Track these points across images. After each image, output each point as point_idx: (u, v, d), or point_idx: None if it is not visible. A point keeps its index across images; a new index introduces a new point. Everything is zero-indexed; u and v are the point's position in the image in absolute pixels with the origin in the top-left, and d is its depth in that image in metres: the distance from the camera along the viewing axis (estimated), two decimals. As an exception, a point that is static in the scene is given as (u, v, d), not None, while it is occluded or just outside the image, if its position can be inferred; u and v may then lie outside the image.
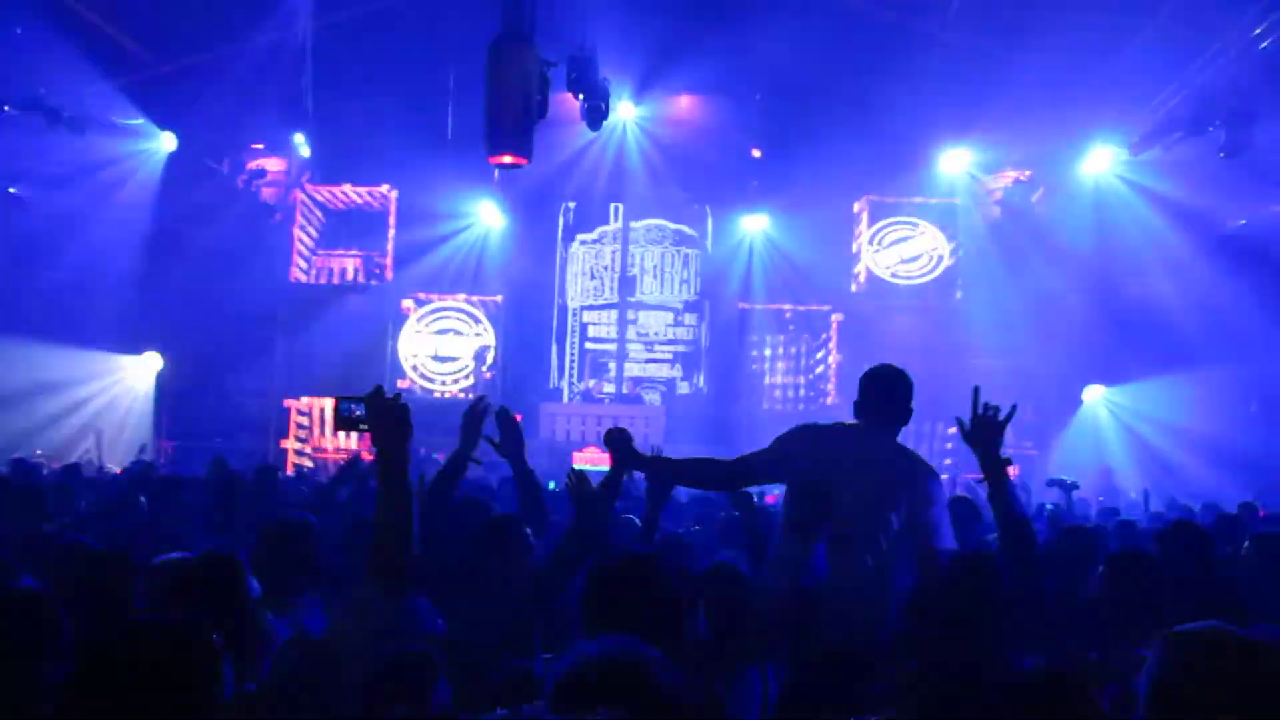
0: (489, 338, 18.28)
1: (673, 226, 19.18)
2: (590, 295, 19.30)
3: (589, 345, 19.24)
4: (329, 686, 2.18)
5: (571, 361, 19.16)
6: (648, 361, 19.13)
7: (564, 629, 3.41)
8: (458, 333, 18.43)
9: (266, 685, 2.14)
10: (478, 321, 18.42)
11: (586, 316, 19.23)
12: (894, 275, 18.18)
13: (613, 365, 18.99)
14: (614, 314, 19.18)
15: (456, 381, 18.27)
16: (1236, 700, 2.02)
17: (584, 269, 19.25)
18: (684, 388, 19.01)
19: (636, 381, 18.69)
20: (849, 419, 4.36)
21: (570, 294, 19.27)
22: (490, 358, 18.07)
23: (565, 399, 18.56)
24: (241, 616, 2.39)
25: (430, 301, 18.46)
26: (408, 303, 18.41)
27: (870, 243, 18.22)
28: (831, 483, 3.90)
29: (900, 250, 18.19)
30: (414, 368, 18.37)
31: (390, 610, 2.31)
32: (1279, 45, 12.42)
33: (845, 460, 4.06)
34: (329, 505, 6.33)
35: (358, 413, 2.75)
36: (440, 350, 18.45)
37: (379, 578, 2.32)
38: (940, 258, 18.15)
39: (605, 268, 19.21)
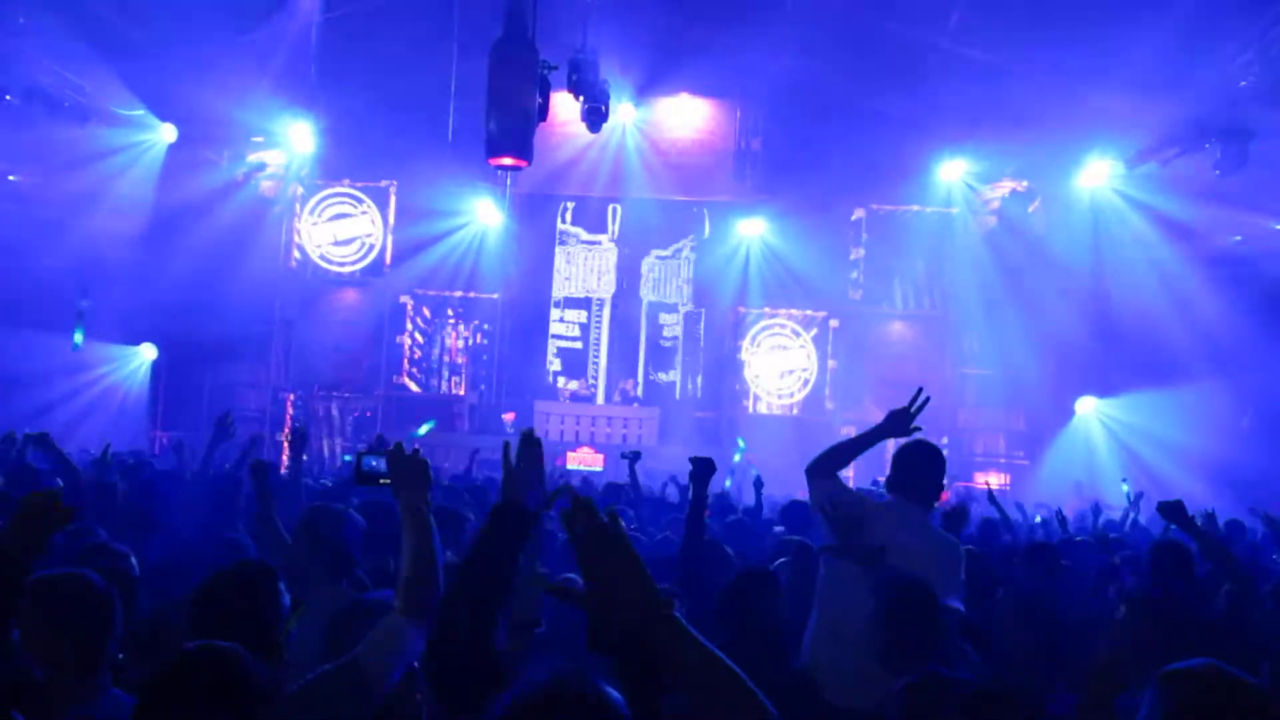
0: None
1: (670, 228, 19.17)
2: (586, 295, 19.31)
3: (582, 345, 19.25)
4: (352, 704, 2.25)
5: (565, 361, 19.17)
6: (643, 362, 19.16)
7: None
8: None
9: (292, 697, 2.20)
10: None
11: (582, 316, 19.25)
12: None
13: (606, 366, 19.01)
14: (609, 314, 19.20)
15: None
16: None
17: (581, 269, 19.27)
18: (678, 390, 19.04)
19: (635, 384, 18.72)
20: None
21: (566, 294, 19.28)
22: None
23: (560, 398, 18.60)
24: (275, 630, 2.44)
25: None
26: (405, 298, 18.43)
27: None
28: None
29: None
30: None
31: (416, 639, 2.39)
32: (1274, 64, 12.50)
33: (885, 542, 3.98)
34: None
35: (379, 467, 2.81)
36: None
37: (410, 616, 2.41)
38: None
39: (602, 268, 19.24)
